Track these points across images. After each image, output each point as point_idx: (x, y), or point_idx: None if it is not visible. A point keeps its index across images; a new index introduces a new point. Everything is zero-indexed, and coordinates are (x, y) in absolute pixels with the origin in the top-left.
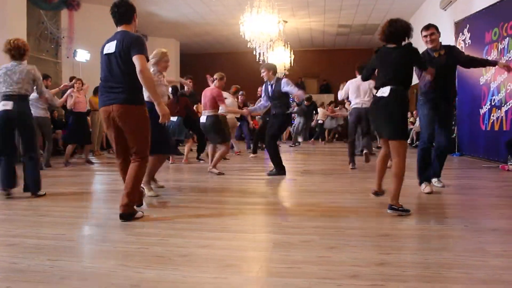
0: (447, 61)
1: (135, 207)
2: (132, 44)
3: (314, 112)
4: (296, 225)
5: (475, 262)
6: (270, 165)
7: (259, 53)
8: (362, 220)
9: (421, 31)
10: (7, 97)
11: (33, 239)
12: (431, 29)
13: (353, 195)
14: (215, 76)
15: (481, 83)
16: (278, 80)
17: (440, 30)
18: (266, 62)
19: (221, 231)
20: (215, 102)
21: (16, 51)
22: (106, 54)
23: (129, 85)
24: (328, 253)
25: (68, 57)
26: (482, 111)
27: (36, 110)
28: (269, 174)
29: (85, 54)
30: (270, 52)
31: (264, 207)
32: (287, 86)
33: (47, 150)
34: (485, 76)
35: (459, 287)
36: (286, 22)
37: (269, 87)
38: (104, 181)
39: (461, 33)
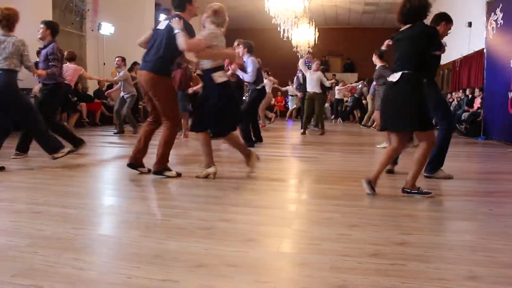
0: None
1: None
2: (175, 24)
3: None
4: (317, 202)
5: (498, 245)
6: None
7: (284, 30)
8: (384, 200)
9: (443, 22)
10: None
11: (57, 208)
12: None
13: None
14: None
15: (511, 66)
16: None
17: (470, 9)
18: (290, 39)
19: (243, 205)
20: None
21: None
22: (156, 28)
23: (163, 58)
24: (348, 231)
25: (92, 30)
26: (511, 95)
27: None
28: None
29: (109, 28)
30: (294, 29)
31: (285, 183)
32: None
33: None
34: None
35: (482, 270)
36: None
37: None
38: (126, 153)
39: (493, 13)
